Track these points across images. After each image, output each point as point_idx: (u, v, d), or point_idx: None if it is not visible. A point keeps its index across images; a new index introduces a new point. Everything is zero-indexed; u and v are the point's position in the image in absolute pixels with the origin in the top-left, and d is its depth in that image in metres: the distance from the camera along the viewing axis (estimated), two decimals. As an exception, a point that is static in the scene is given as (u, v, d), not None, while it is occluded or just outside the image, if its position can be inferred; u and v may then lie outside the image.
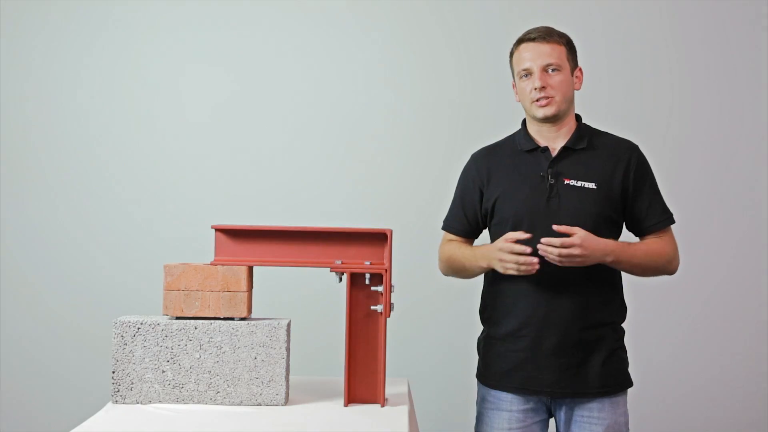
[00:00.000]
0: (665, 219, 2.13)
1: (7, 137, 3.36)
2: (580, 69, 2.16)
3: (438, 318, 3.31)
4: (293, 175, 3.35)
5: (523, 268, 1.98)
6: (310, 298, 3.17)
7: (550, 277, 2.03)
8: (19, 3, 3.37)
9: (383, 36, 3.37)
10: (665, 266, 2.13)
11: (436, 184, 2.96)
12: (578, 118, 2.18)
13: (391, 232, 2.03)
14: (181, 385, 2.00)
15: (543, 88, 2.06)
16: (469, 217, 2.21)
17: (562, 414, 2.12)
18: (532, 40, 2.09)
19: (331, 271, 2.04)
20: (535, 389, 2.09)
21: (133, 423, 1.87)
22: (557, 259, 1.96)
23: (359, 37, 3.37)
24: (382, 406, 2.03)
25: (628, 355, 2.17)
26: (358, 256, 2.04)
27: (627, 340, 2.17)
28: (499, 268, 2.03)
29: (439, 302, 3.26)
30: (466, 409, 2.37)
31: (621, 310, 2.16)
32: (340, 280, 2.04)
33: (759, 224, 3.33)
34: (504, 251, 2.00)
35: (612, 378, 2.09)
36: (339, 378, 2.15)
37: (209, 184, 3.34)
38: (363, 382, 2.04)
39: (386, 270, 2.01)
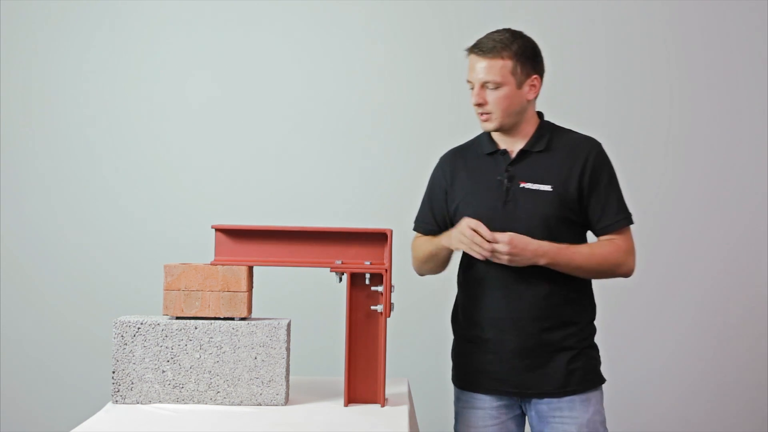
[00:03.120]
0: (619, 220, 2.08)
1: (7, 137, 3.36)
2: (537, 77, 2.07)
3: (438, 318, 3.28)
4: (293, 175, 3.34)
5: (475, 248, 1.97)
6: (310, 298, 3.17)
7: (510, 280, 2.04)
8: (18, 2, 3.36)
9: (383, 36, 3.37)
10: (613, 270, 2.08)
11: (436, 184, 2.95)
12: (541, 115, 2.15)
13: (391, 232, 2.03)
14: (181, 385, 2.00)
15: (479, 105, 2.05)
16: (437, 218, 2.23)
17: (533, 413, 2.13)
18: (476, 53, 2.05)
19: (331, 271, 2.04)
20: (504, 390, 2.10)
21: (133, 423, 1.87)
22: (487, 253, 1.96)
23: (359, 37, 3.36)
24: (382, 406, 2.03)
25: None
26: (358, 256, 2.04)
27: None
28: (454, 242, 2.04)
29: (439, 302, 3.25)
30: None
31: (588, 309, 2.14)
32: (340, 280, 2.04)
33: (758, 225, 3.32)
34: (468, 227, 1.98)
35: (579, 377, 2.08)
36: (339, 378, 2.15)
37: (209, 184, 3.34)
38: (363, 382, 2.04)
39: (386, 270, 2.01)
